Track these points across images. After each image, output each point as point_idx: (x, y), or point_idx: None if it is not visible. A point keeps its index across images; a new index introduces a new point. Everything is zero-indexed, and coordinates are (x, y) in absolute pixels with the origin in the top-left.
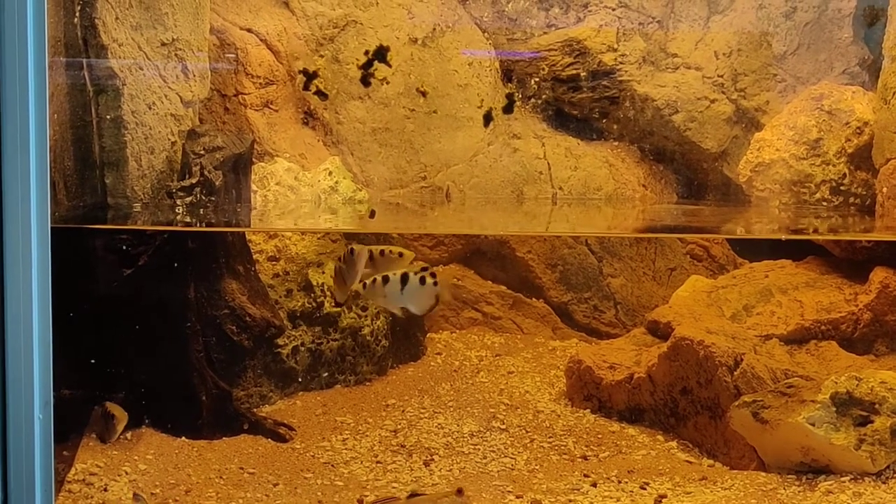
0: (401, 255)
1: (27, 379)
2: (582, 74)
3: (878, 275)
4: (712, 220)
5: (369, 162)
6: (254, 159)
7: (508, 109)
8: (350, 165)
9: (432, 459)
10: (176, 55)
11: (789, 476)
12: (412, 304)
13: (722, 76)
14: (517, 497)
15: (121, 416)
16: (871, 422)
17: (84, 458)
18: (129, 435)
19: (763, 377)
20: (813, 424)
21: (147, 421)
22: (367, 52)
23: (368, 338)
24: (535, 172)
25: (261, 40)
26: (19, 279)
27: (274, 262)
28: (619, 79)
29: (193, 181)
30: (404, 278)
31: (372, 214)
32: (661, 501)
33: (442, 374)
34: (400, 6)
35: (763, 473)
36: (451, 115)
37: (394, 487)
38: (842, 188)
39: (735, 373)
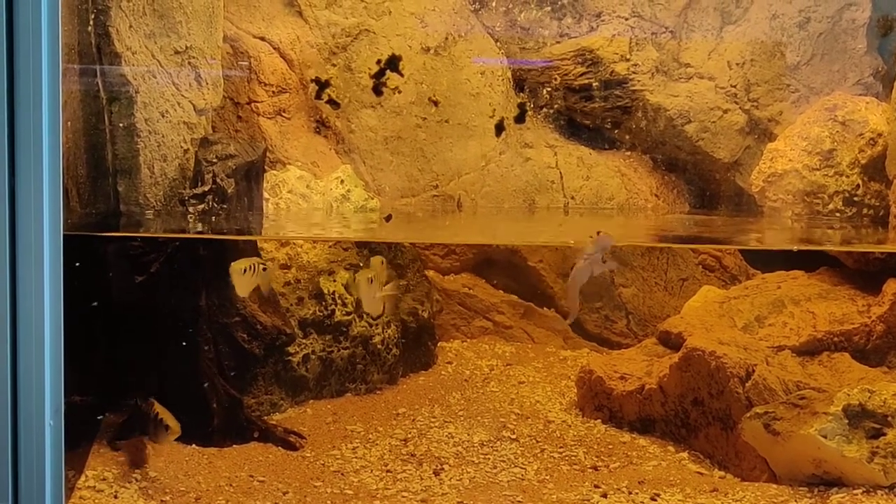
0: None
1: (38, 385)
2: (594, 84)
3: (892, 286)
4: (725, 230)
5: (381, 170)
6: (266, 167)
7: (520, 119)
8: (362, 174)
9: (442, 469)
10: (189, 63)
11: (801, 488)
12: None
13: (735, 86)
14: None
15: (175, 428)
16: (884, 434)
17: (94, 464)
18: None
19: (775, 389)
20: (825, 437)
21: None
22: (379, 62)
23: (379, 346)
24: (547, 181)
25: (274, 49)
26: (32, 286)
27: (285, 270)
28: (632, 88)
29: (206, 189)
30: None
31: (388, 218)
32: None
33: (452, 384)
34: (412, 15)
35: (774, 485)
36: (462, 124)
37: (403, 497)
38: (855, 199)
39: (747, 384)
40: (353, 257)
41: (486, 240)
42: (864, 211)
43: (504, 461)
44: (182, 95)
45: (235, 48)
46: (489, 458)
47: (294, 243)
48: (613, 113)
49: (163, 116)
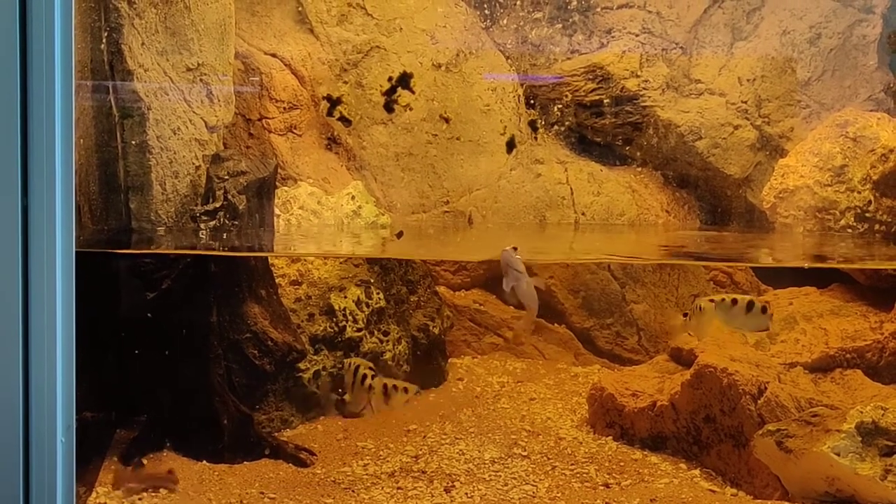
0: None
1: (50, 402)
2: (605, 100)
3: None
4: (736, 246)
5: (392, 186)
6: (277, 183)
7: (531, 135)
8: (373, 190)
9: (453, 486)
10: (201, 80)
11: None
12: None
13: (746, 102)
14: None
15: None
16: None
17: (105, 480)
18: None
19: (787, 406)
20: (838, 454)
21: (168, 444)
22: (390, 79)
23: (390, 363)
24: (558, 197)
25: (285, 65)
26: (44, 302)
27: (296, 287)
28: (643, 104)
29: (217, 205)
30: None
31: (399, 235)
32: None
33: (463, 400)
34: (423, 32)
35: (787, 503)
36: (473, 140)
37: None
38: (867, 215)
39: (759, 401)
40: (364, 273)
41: (496, 256)
42: (876, 227)
43: (515, 478)
44: (194, 112)
45: (247, 65)
46: (500, 475)
47: (305, 260)
48: (624, 129)
49: (175, 133)
